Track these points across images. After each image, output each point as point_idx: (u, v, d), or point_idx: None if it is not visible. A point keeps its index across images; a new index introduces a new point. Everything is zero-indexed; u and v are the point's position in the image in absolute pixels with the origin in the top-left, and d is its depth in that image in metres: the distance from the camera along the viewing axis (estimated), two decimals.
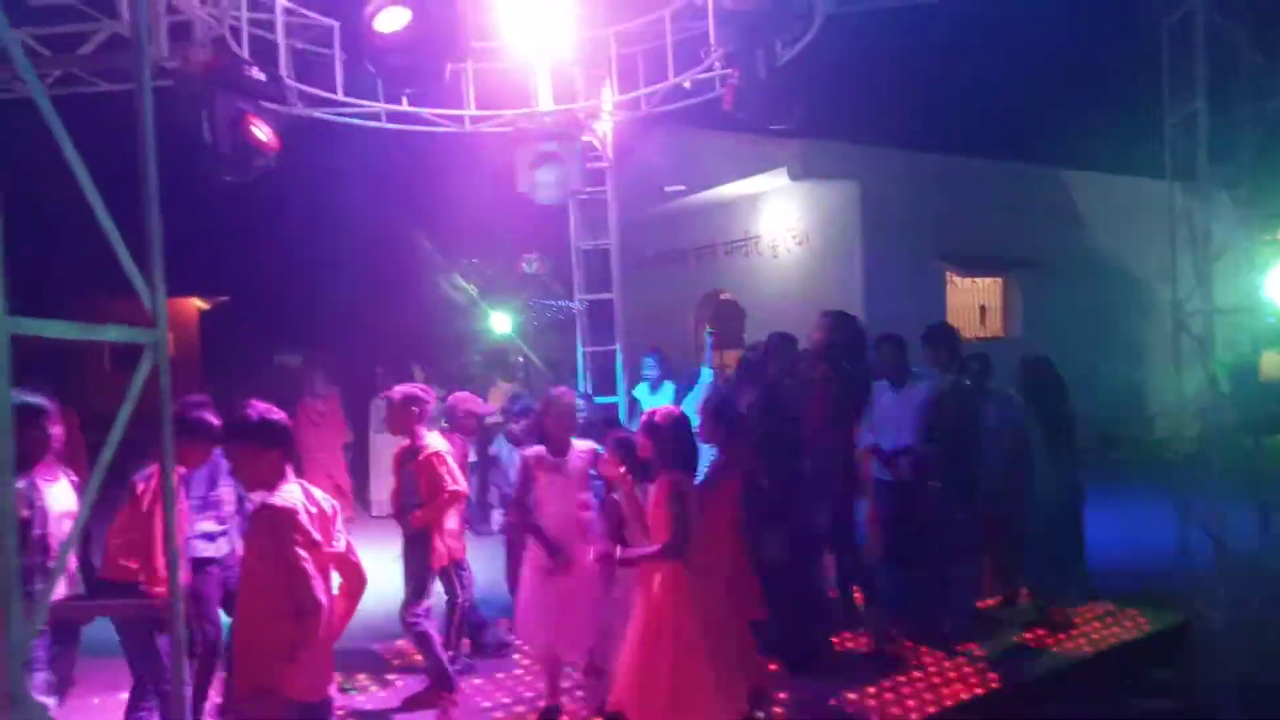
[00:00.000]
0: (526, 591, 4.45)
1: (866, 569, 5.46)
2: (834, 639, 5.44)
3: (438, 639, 4.78)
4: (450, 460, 4.87)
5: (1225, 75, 5.28)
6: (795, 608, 4.86)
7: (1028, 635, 5.57)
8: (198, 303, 21.34)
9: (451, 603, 5.33)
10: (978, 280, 14.16)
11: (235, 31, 5.99)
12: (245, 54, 6.03)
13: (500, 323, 15.46)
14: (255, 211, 16.34)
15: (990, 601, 6.07)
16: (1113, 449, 13.30)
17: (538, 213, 9.58)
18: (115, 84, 6.45)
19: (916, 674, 5.04)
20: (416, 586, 4.80)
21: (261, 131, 5.67)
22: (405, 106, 7.15)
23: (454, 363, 14.72)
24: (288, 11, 6.32)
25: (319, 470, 9.87)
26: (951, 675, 5.02)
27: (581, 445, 4.49)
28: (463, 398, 5.90)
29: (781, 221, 13.88)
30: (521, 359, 14.71)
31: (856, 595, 5.67)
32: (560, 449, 4.42)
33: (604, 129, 8.27)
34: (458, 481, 4.83)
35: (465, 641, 5.49)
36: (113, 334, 1.78)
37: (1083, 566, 5.82)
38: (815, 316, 5.37)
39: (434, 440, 4.91)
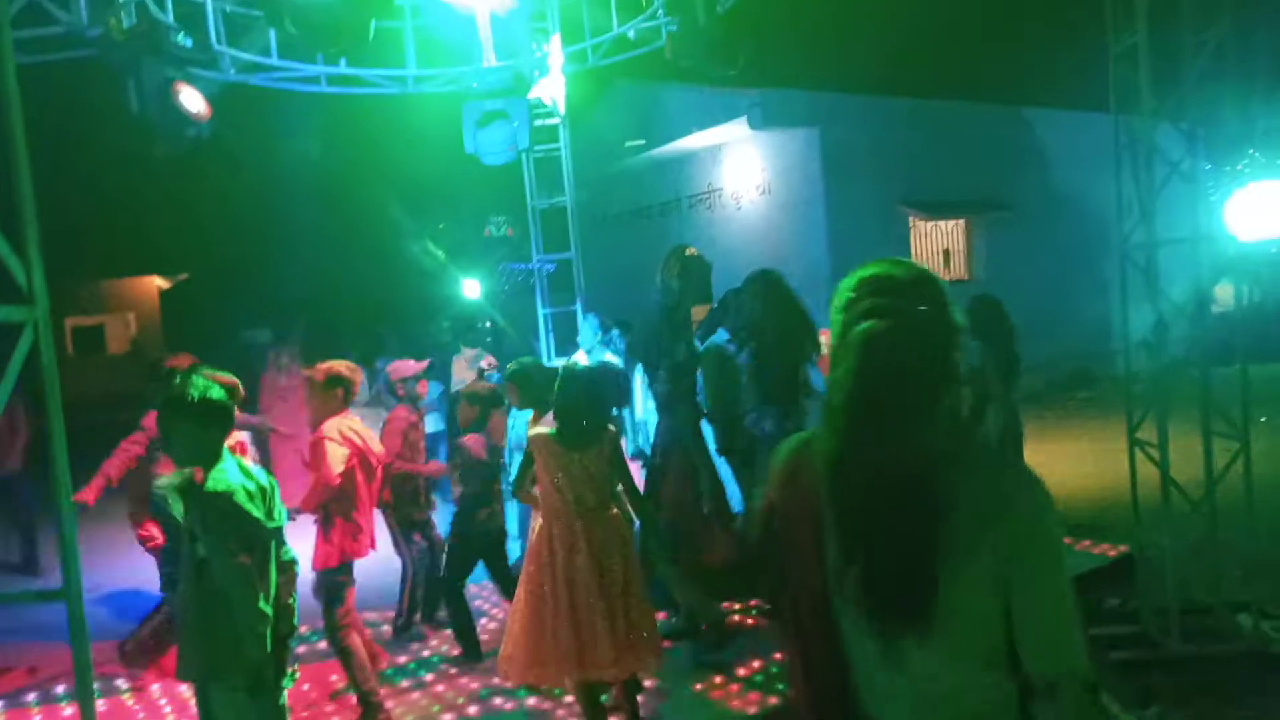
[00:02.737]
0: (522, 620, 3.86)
1: None
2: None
3: (360, 654, 4.28)
4: (335, 446, 4.34)
5: (1166, 4, 5.22)
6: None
7: None
8: (158, 281, 20.99)
9: (403, 574, 5.33)
10: (941, 224, 14.15)
11: None
12: (170, 19, 5.83)
13: (469, 288, 15.33)
14: (211, 186, 16.01)
15: None
16: (1083, 386, 13.48)
17: (501, 174, 9.43)
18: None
19: None
20: (322, 594, 4.37)
21: (191, 100, 5.50)
22: (344, 68, 6.97)
23: (422, 331, 14.60)
24: None
25: (286, 446, 9.78)
26: None
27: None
28: (392, 367, 5.64)
29: (744, 172, 13.77)
30: (489, 324, 14.63)
31: None
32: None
33: (554, 84, 8.10)
34: (331, 470, 4.30)
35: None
36: None
37: None
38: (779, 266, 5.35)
39: (331, 424, 4.43)
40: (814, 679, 1.59)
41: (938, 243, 14.24)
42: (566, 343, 8.96)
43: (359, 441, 4.46)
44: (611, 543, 3.79)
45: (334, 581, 4.33)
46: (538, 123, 7.87)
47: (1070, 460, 8.38)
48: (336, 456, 4.30)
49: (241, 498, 2.90)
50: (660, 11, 6.70)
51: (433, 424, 9.43)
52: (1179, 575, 4.57)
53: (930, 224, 14.01)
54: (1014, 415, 5.76)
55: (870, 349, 1.43)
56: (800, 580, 1.55)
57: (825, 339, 7.42)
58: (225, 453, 3.02)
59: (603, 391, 3.98)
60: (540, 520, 3.91)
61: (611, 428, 3.90)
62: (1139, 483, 5.01)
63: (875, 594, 1.41)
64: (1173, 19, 5.22)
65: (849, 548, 1.44)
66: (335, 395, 4.49)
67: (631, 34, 7.06)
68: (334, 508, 4.37)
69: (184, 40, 5.67)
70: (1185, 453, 4.74)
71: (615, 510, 3.89)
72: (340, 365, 4.59)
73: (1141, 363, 5.59)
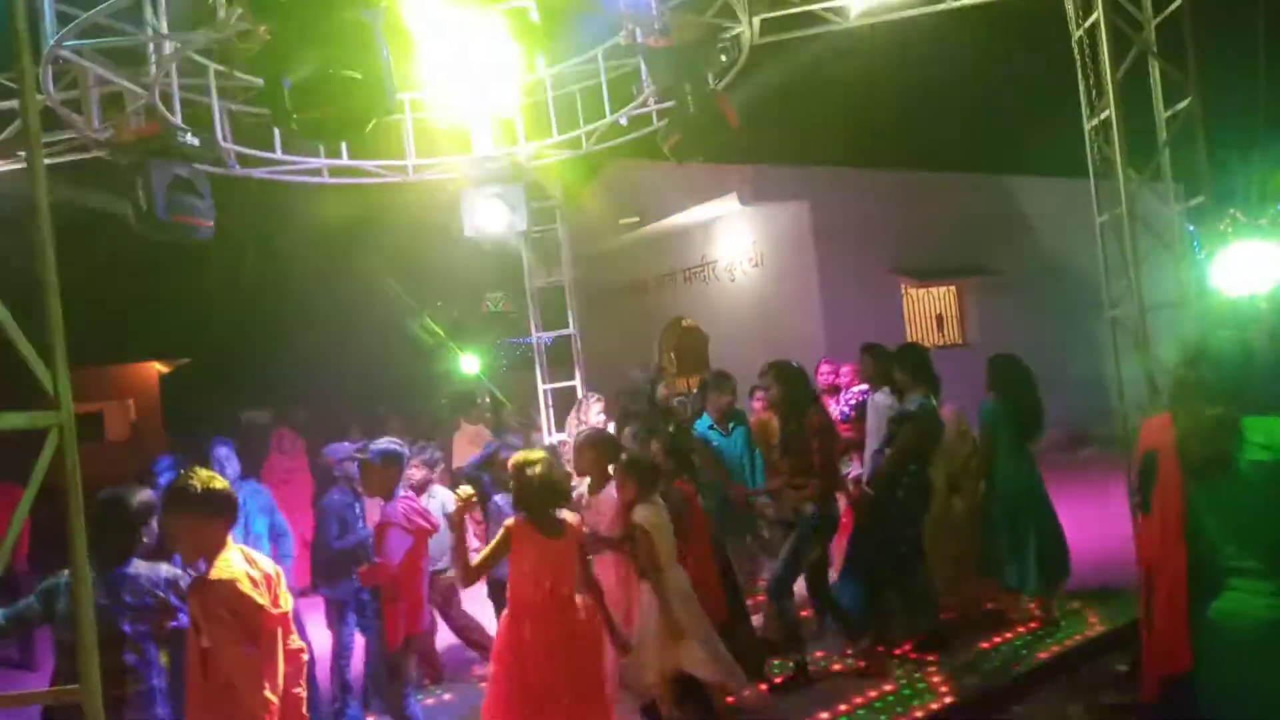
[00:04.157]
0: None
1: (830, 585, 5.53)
2: (806, 659, 5.44)
3: None
4: (399, 533, 4.44)
5: (1136, 80, 5.45)
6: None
7: (997, 639, 5.63)
8: (158, 367, 21.10)
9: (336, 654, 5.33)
10: (932, 289, 14.36)
11: (167, 97, 6.00)
12: (179, 119, 6.04)
13: (468, 363, 15.43)
14: (210, 272, 16.25)
15: (952, 613, 6.11)
16: (1082, 446, 13.48)
17: (497, 252, 9.64)
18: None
19: (887, 687, 5.06)
20: (385, 673, 4.53)
21: (198, 199, 5.67)
22: (345, 160, 7.18)
23: (422, 408, 14.66)
24: (219, 74, 6.35)
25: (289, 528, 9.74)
26: (920, 686, 5.04)
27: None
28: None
29: (736, 245, 14.04)
30: (487, 399, 14.68)
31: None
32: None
33: (549, 168, 8.36)
34: (393, 558, 4.38)
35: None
36: (13, 420, 1.78)
37: (1054, 555, 5.92)
38: (766, 354, 5.53)
39: (398, 510, 4.52)
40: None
41: (930, 309, 14.43)
42: (564, 418, 9.03)
43: (421, 522, 4.55)
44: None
45: (400, 660, 4.40)
46: (535, 205, 8.09)
47: (1073, 523, 8.34)
48: (399, 545, 4.38)
49: (246, 585, 2.92)
50: (651, 99, 6.95)
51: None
52: None
53: (922, 290, 14.22)
54: (1032, 464, 5.84)
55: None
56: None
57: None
58: (229, 541, 3.06)
59: None
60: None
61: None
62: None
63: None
64: (1142, 94, 5.46)
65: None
66: (391, 473, 4.56)
67: (624, 120, 7.31)
68: (397, 589, 4.45)
69: (191, 140, 5.85)
70: None
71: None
72: (394, 442, 4.68)
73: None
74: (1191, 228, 10.20)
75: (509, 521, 3.91)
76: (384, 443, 4.66)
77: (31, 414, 1.82)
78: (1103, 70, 5.27)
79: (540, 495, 3.86)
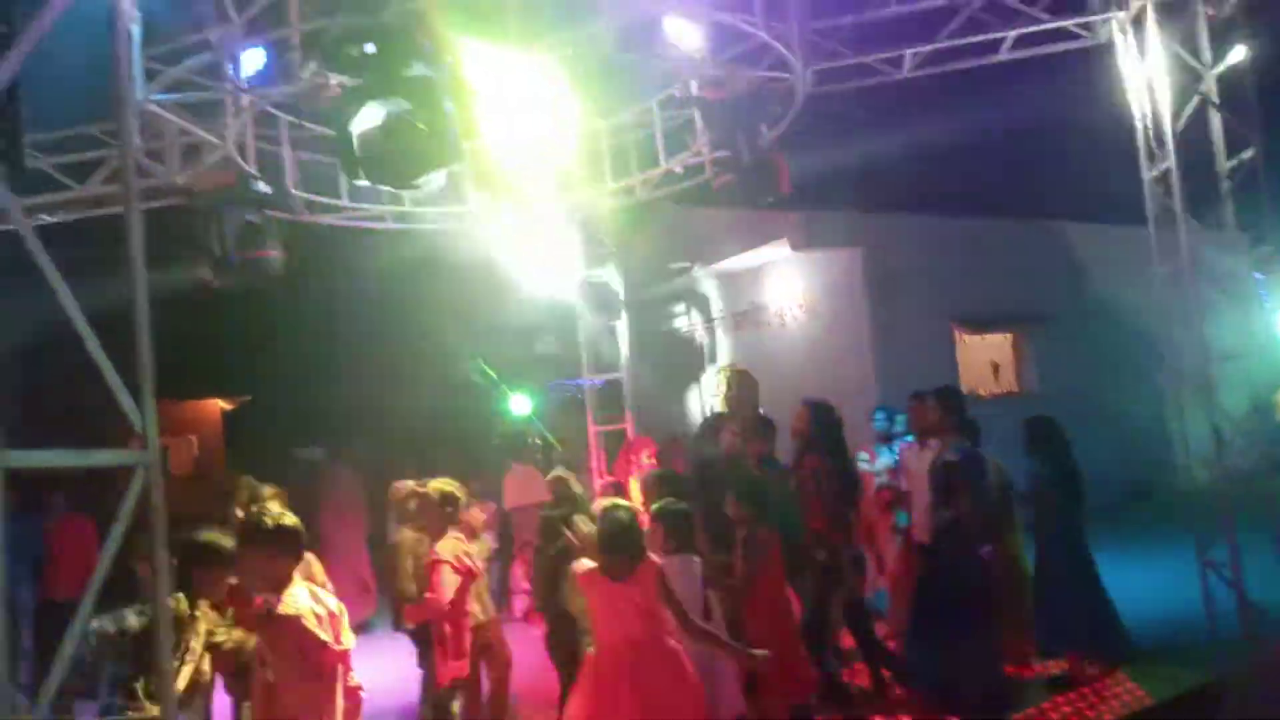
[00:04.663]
0: None
1: (883, 643, 5.43)
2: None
3: None
4: (449, 572, 4.57)
5: (1196, 129, 5.40)
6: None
7: (1061, 700, 5.45)
8: (221, 404, 21.69)
9: None
10: (988, 337, 14.16)
11: (242, 147, 6.29)
12: (253, 168, 6.32)
13: (518, 405, 15.58)
14: (272, 312, 16.73)
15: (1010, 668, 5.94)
16: (1143, 500, 13.05)
17: (549, 296, 9.82)
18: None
19: None
20: (429, 710, 4.66)
21: (269, 245, 5.92)
22: (408, 207, 7.42)
23: (472, 447, 14.79)
24: (292, 125, 6.64)
25: (343, 566, 9.84)
26: None
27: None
28: None
29: (787, 291, 14.03)
30: (538, 441, 14.79)
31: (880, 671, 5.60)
32: None
33: (602, 214, 8.52)
34: (443, 594, 4.52)
35: None
36: (106, 458, 1.88)
37: (1108, 620, 5.72)
38: (799, 404, 5.53)
39: (446, 548, 4.68)
40: None
41: (986, 357, 14.22)
42: (614, 458, 9.08)
43: (469, 563, 4.68)
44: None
45: (446, 700, 4.55)
46: (588, 250, 8.24)
47: (1139, 581, 8.07)
48: (450, 581, 4.48)
49: (311, 621, 3.00)
50: (704, 148, 7.08)
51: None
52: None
53: (978, 338, 14.03)
54: (1083, 528, 5.68)
55: None
56: None
57: (867, 453, 7.42)
58: (296, 577, 3.14)
59: None
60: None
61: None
62: (1211, 603, 4.86)
63: None
64: (1203, 143, 5.40)
65: None
66: (447, 512, 4.73)
67: (678, 168, 7.44)
68: (447, 629, 4.57)
69: (263, 187, 6.12)
70: (1262, 575, 4.59)
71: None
72: (450, 484, 4.84)
73: (1203, 478, 5.50)
74: (1259, 275, 9.97)
75: (575, 570, 3.88)
76: (440, 483, 4.79)
77: (120, 452, 1.93)
78: (1161, 121, 5.23)
79: (612, 541, 3.77)
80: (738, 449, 6.82)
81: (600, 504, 4.00)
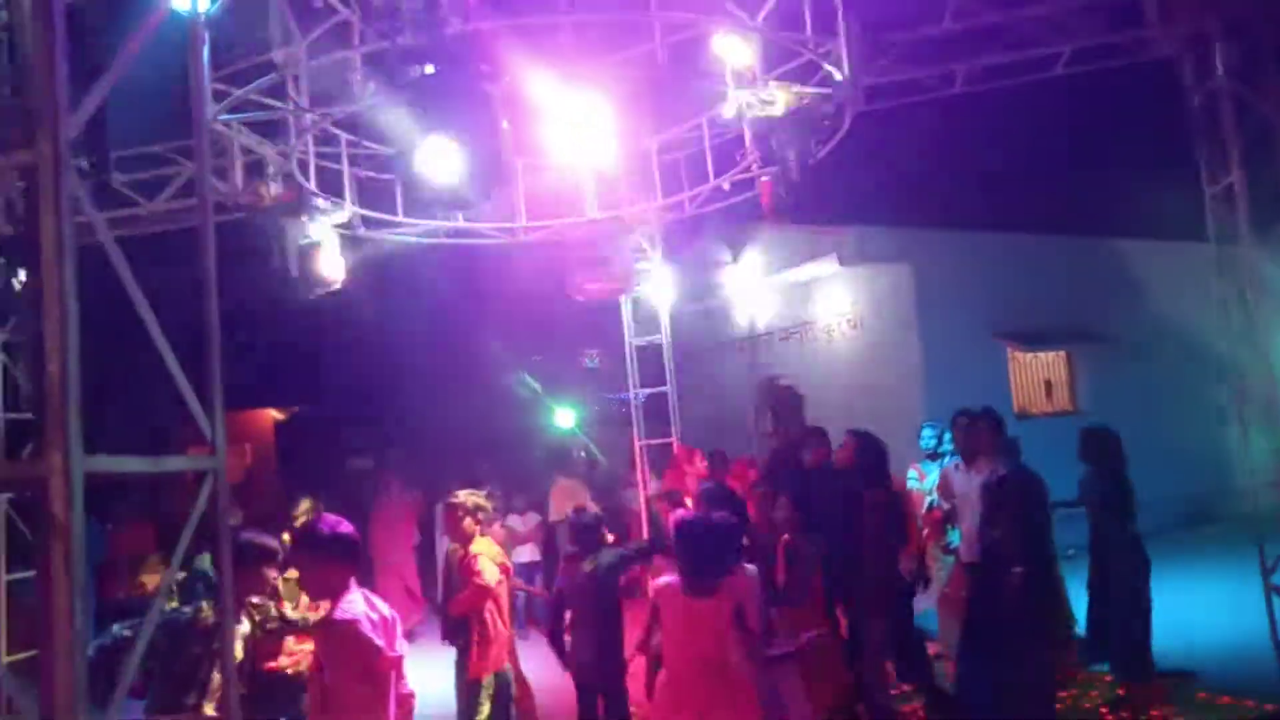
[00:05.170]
0: None
1: (930, 667, 5.38)
2: None
3: None
4: (487, 560, 5.01)
5: (1260, 144, 5.28)
6: None
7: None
8: (274, 413, 22.18)
9: None
10: (1041, 355, 13.91)
11: (303, 164, 6.48)
12: (313, 185, 6.50)
13: (563, 418, 15.70)
14: (326, 324, 17.09)
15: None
16: (1202, 523, 12.67)
17: (595, 310, 9.93)
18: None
19: None
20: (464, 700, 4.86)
21: (329, 261, 6.08)
22: (461, 222, 7.56)
23: (517, 460, 14.93)
24: (350, 144, 6.81)
25: (391, 574, 9.99)
26: None
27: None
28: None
29: (834, 306, 13.95)
30: (583, 453, 14.87)
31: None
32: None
33: (651, 229, 8.58)
34: (486, 577, 4.93)
35: None
36: (178, 464, 1.96)
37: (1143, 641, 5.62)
38: (863, 416, 5.55)
39: (480, 545, 5.13)
40: None
41: (1038, 374, 13.96)
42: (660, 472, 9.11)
43: (504, 560, 5.19)
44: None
45: (478, 690, 4.79)
46: (636, 265, 8.31)
47: (1201, 606, 7.84)
48: (490, 569, 4.91)
49: (366, 627, 3.07)
50: (753, 165, 7.09)
51: (528, 554, 9.54)
52: None
53: (1030, 355, 13.79)
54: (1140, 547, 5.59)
55: None
56: None
57: (916, 470, 7.32)
58: (352, 583, 3.21)
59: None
60: None
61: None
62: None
63: None
64: (1266, 160, 5.27)
65: None
66: (476, 520, 5.11)
67: (727, 185, 7.47)
68: (488, 624, 4.89)
69: (324, 205, 6.29)
70: None
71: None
72: (479, 495, 5.27)
73: (1267, 500, 5.35)
74: None
75: (655, 584, 3.82)
76: (468, 493, 5.27)
77: (191, 458, 2.01)
78: (1224, 137, 5.13)
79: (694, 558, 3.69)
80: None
81: (676, 516, 4.04)
